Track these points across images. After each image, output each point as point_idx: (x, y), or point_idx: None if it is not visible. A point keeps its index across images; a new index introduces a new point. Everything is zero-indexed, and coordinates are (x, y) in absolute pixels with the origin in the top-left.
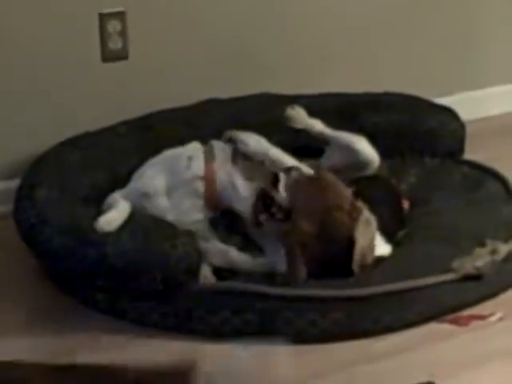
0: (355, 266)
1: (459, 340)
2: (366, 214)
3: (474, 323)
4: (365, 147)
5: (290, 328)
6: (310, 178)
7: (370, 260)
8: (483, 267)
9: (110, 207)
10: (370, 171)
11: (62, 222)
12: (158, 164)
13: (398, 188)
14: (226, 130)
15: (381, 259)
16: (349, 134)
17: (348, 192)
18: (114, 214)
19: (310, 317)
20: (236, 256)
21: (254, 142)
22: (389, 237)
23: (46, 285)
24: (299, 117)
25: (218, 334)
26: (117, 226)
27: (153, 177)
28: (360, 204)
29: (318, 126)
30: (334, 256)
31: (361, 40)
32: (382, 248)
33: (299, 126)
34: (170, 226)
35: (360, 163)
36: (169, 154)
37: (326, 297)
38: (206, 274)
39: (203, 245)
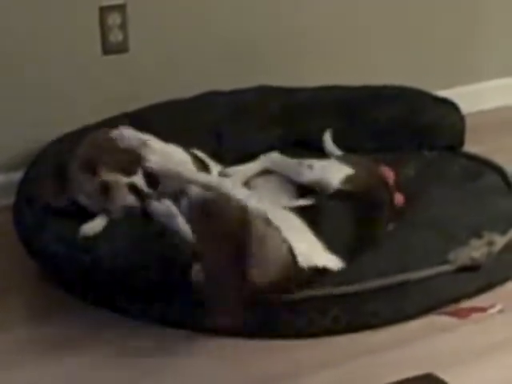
0: (251, 282)
1: (459, 332)
2: (260, 230)
3: (474, 315)
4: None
5: (290, 328)
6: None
7: (274, 276)
8: (479, 258)
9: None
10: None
11: (57, 229)
12: None
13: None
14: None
15: (326, 271)
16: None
17: (236, 211)
18: (98, 221)
19: (309, 315)
20: None
21: (156, 159)
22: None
23: (46, 280)
24: None
25: (217, 330)
26: (98, 231)
27: None
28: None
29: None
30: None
31: (360, 33)
32: (327, 260)
33: None
34: (161, 227)
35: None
36: None
37: (323, 296)
38: (198, 272)
39: None
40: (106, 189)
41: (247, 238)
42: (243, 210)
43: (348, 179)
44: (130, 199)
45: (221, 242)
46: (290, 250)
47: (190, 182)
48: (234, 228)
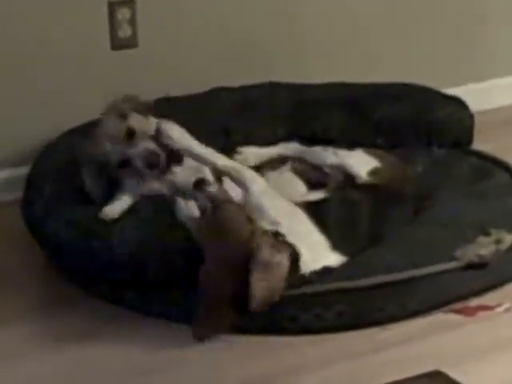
0: (254, 305)
1: (465, 330)
2: (266, 255)
3: (481, 314)
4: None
5: (296, 323)
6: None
7: (276, 297)
8: (486, 255)
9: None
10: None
11: (67, 216)
12: None
13: None
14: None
15: (328, 269)
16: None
17: (246, 228)
18: (117, 204)
19: (315, 311)
20: None
21: (178, 135)
22: None
23: (51, 272)
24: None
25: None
26: (119, 214)
27: None
28: (261, 240)
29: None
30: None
31: (368, 30)
32: (328, 260)
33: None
34: (172, 217)
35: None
36: None
37: (330, 290)
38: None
39: None
40: (131, 134)
41: (252, 264)
42: (253, 231)
43: (374, 171)
44: (151, 145)
45: (226, 262)
46: (295, 260)
47: (210, 164)
48: (241, 251)
